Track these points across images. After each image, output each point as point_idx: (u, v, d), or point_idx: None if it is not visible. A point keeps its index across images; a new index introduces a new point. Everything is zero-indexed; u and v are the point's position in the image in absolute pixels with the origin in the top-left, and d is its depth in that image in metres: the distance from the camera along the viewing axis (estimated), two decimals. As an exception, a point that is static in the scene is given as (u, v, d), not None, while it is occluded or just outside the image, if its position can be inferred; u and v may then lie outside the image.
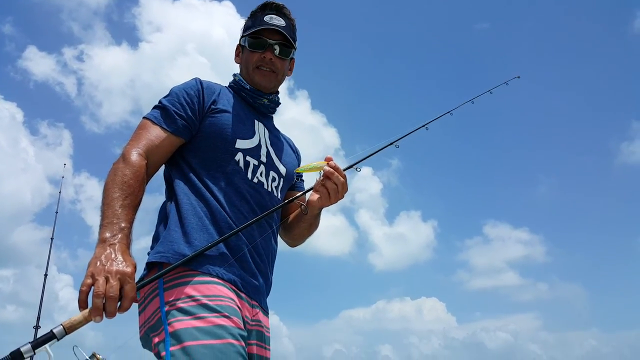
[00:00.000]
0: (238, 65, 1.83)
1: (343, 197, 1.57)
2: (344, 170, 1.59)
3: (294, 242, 1.82)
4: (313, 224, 1.72)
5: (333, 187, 1.54)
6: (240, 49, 1.81)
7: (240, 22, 1.83)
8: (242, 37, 1.79)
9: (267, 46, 1.70)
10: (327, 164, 1.54)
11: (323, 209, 1.66)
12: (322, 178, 1.55)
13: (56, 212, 8.68)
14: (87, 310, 1.13)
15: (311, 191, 1.61)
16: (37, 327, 7.49)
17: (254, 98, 1.74)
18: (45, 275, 8.03)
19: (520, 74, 2.76)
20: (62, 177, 9.35)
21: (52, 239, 8.42)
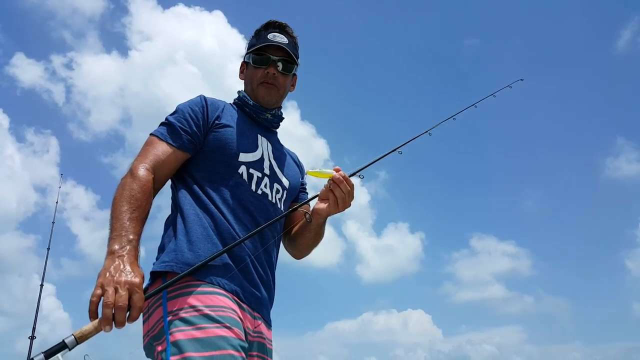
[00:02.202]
0: (242, 82, 1.87)
1: (350, 205, 1.62)
2: (349, 177, 1.63)
3: (300, 253, 1.84)
4: (319, 233, 1.74)
5: (342, 194, 1.59)
6: (244, 66, 1.87)
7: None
8: (246, 54, 1.85)
9: (270, 62, 1.76)
10: (337, 172, 1.59)
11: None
12: (329, 185, 1.59)
13: (53, 223, 8.65)
14: (97, 320, 1.16)
15: (316, 200, 1.66)
16: (32, 338, 7.46)
17: (258, 113, 1.79)
18: (41, 285, 8.01)
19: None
20: (59, 188, 9.32)
21: (48, 249, 8.40)
